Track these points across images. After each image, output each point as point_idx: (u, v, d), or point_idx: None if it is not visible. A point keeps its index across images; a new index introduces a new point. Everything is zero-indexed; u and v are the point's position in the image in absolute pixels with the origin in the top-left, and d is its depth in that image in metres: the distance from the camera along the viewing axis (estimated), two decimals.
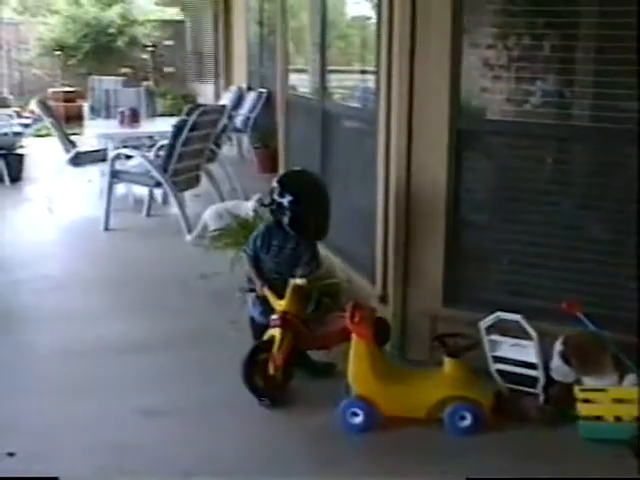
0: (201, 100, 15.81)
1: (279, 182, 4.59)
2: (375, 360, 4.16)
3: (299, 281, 4.42)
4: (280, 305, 4.42)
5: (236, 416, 4.31)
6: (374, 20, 5.07)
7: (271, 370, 4.34)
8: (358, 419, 4.08)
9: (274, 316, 4.41)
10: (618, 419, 3.90)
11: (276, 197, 4.53)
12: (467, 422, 4.05)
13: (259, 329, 4.63)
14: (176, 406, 4.39)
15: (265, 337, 4.44)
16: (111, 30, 19.21)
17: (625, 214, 4.41)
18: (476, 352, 4.21)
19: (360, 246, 5.39)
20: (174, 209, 8.25)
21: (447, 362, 4.16)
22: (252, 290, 4.69)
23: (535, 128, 4.66)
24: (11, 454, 3.89)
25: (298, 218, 4.51)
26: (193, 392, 4.54)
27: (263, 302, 4.59)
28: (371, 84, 5.09)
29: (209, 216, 7.46)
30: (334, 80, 6.05)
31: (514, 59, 4.72)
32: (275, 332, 4.38)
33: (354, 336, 4.15)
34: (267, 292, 4.51)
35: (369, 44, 5.45)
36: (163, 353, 5.10)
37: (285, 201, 4.49)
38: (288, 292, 4.42)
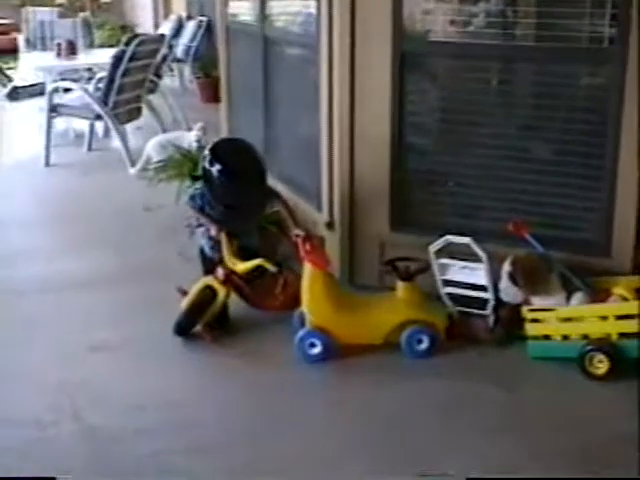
0: (140, 30, 15.48)
1: (211, 150, 4.38)
2: (330, 289, 4.13)
3: (269, 266, 4.25)
4: (234, 264, 4.32)
5: (187, 349, 4.29)
6: None
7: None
8: (316, 349, 4.06)
9: (220, 270, 4.34)
10: (565, 338, 3.94)
11: (206, 165, 4.32)
12: (424, 345, 4.08)
13: (209, 261, 4.57)
14: (126, 341, 4.34)
15: (201, 285, 4.36)
16: None
17: (569, 134, 4.42)
18: (425, 276, 4.21)
19: (306, 174, 5.33)
20: (116, 143, 8.13)
21: (400, 286, 4.16)
22: (200, 225, 4.60)
23: (478, 49, 4.60)
24: None
25: (226, 191, 4.32)
26: (143, 327, 4.48)
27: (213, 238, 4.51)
28: (313, 10, 4.98)
29: (152, 148, 7.33)
30: (275, 6, 5.91)
31: None
32: (216, 285, 4.33)
33: (308, 265, 4.10)
34: (224, 239, 4.36)
35: None
36: (111, 288, 5.03)
37: (214, 170, 4.28)
38: (251, 264, 4.29)
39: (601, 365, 3.81)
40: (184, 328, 4.35)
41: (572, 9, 4.29)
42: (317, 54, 4.86)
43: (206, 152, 4.39)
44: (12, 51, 14.78)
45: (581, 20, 4.35)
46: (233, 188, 4.31)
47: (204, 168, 4.35)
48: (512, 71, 4.76)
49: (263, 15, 5.93)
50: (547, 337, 4.00)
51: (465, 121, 4.65)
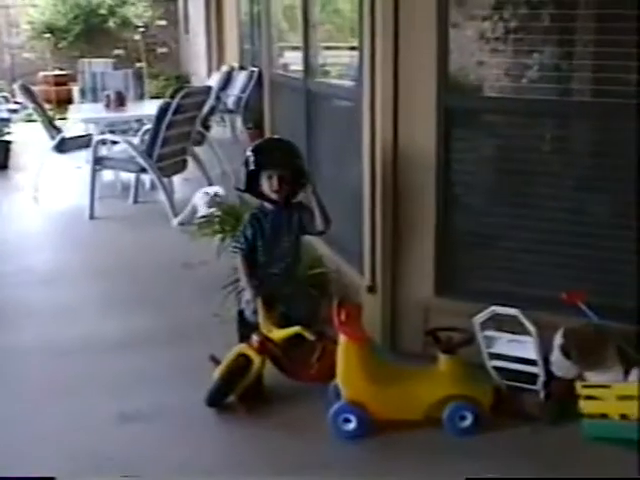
0: (195, 80, 15.50)
1: (252, 151, 4.26)
2: (366, 361, 3.85)
3: (307, 335, 4.02)
4: (269, 331, 4.09)
5: (219, 420, 4.05)
6: None
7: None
8: (351, 425, 3.79)
9: (255, 337, 4.09)
10: (624, 417, 3.62)
11: (252, 167, 4.19)
12: (467, 422, 3.78)
13: (247, 326, 4.32)
14: (158, 410, 4.12)
15: (235, 353, 4.12)
16: (102, 11, 18.88)
17: (629, 195, 4.11)
18: (470, 346, 3.92)
19: (348, 233, 5.08)
20: (162, 195, 7.98)
21: (442, 359, 3.87)
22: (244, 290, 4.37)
23: (531, 105, 4.34)
24: None
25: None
26: (175, 394, 4.25)
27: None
28: (355, 61, 4.78)
29: (199, 200, 7.21)
30: (318, 58, 5.74)
31: (509, 31, 4.41)
32: (251, 354, 4.08)
33: (342, 337, 3.84)
34: (259, 305, 4.15)
35: (352, 21, 5.12)
36: (146, 351, 4.83)
37: (250, 160, 4.19)
38: (288, 332, 4.07)
39: None
40: (216, 399, 4.10)
41: (631, 62, 4.01)
42: (359, 108, 4.63)
43: (248, 153, 4.25)
44: (68, 102, 14.89)
45: None
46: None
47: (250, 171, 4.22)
48: (567, 127, 4.48)
49: (306, 67, 5.76)
50: (604, 415, 3.68)
51: (517, 180, 4.37)
